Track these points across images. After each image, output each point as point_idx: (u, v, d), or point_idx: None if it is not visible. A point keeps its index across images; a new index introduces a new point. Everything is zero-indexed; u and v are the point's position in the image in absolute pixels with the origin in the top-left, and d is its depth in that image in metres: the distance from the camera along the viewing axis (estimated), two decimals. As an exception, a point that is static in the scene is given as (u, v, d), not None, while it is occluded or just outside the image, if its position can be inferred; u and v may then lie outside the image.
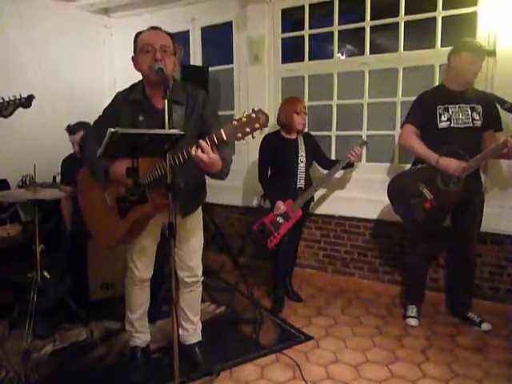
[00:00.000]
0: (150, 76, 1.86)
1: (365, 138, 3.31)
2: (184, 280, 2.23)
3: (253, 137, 1.57)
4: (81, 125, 3.06)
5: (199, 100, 1.99)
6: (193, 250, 2.21)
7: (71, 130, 3.06)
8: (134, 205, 1.92)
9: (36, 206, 2.63)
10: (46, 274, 2.62)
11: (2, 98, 1.98)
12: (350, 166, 3.11)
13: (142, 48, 1.86)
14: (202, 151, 1.62)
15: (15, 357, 2.36)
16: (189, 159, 1.69)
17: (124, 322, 2.33)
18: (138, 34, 1.92)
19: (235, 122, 1.55)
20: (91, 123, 3.18)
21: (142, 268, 2.16)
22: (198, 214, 2.22)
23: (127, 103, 1.97)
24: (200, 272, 2.27)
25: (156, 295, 2.37)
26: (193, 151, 1.64)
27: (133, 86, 2.03)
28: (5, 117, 2.01)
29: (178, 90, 1.96)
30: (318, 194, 3.45)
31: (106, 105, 2.08)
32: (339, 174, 3.31)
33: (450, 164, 2.50)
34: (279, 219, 2.97)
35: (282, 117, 3.03)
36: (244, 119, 1.54)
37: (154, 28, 1.93)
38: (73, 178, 3.17)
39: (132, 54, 1.96)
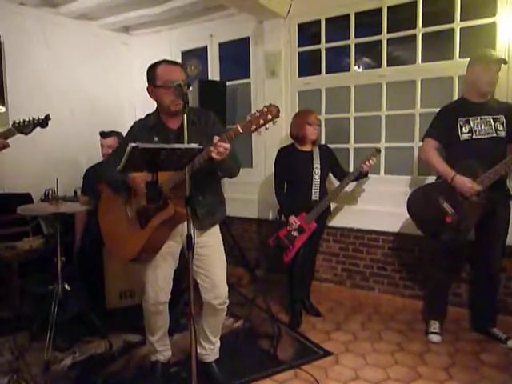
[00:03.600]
0: (171, 108, 1.98)
1: (381, 149, 3.26)
2: (210, 303, 2.13)
3: (266, 128, 1.74)
4: (113, 132, 3.26)
5: (211, 118, 2.11)
6: (215, 268, 2.13)
7: (104, 133, 3.26)
8: (156, 212, 1.95)
9: (57, 219, 2.68)
10: (66, 286, 2.66)
11: (24, 119, 2.39)
12: (363, 176, 3.06)
13: (164, 84, 1.95)
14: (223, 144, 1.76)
15: (35, 368, 2.39)
16: (209, 160, 1.78)
17: (143, 334, 2.33)
18: (154, 67, 2.01)
19: (249, 117, 1.74)
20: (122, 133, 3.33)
21: (159, 290, 2.11)
22: (217, 232, 2.21)
23: (144, 130, 2.08)
24: (226, 293, 2.16)
25: (174, 308, 2.36)
26: (215, 139, 1.77)
27: (148, 116, 2.15)
28: (25, 134, 2.41)
29: (189, 111, 2.03)
30: (336, 207, 3.43)
31: (126, 119, 2.14)
32: (352, 185, 3.30)
33: (463, 185, 2.48)
34: (294, 232, 2.96)
35: (294, 130, 3.04)
36: (257, 113, 1.73)
37: (171, 63, 2.03)
38: (94, 188, 3.26)
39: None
